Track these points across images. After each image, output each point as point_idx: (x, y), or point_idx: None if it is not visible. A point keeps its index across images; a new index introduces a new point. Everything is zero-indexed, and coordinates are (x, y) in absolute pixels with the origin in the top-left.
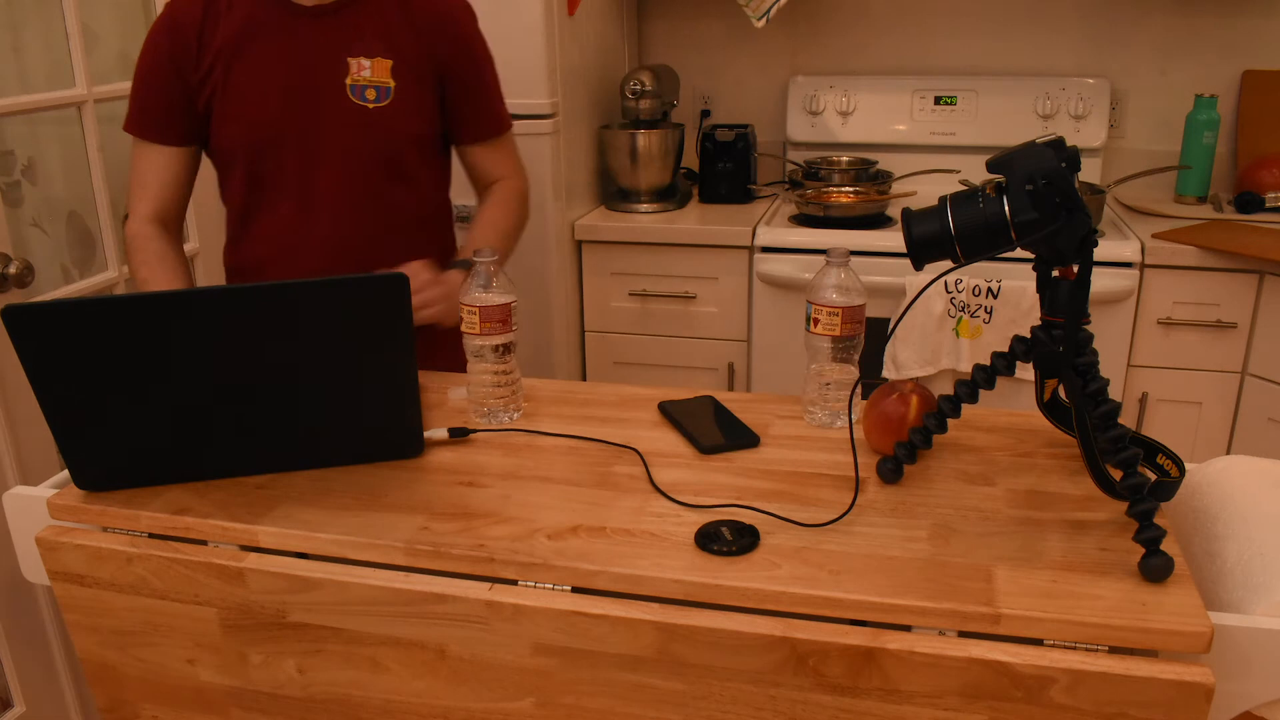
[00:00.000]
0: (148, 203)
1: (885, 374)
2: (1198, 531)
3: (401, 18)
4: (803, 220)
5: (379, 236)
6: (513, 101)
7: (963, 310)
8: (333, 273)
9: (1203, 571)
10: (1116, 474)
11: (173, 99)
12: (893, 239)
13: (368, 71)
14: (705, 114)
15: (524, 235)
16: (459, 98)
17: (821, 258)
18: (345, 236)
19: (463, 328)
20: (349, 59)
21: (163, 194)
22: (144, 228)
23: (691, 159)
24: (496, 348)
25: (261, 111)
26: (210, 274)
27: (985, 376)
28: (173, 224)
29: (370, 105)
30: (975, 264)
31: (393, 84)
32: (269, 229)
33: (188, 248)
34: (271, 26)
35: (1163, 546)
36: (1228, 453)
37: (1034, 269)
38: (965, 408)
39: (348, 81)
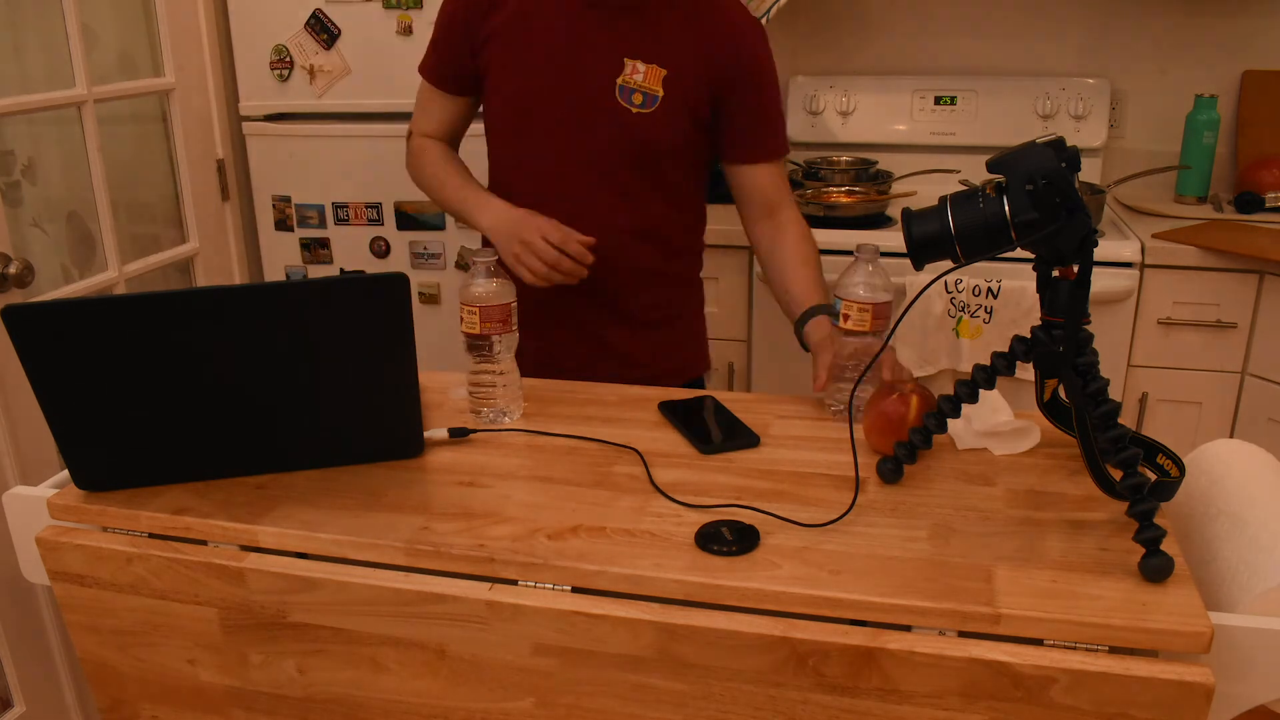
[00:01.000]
0: (427, 128)
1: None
2: (1192, 514)
3: (687, 30)
4: None
5: (628, 240)
6: None
7: (963, 310)
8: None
9: (1195, 558)
10: (1116, 474)
11: (458, 58)
12: (893, 239)
13: (640, 76)
14: None
15: None
16: (737, 116)
17: (822, 258)
18: (594, 233)
19: (463, 328)
20: (626, 58)
21: (440, 130)
22: (425, 140)
23: None
24: (497, 348)
25: (525, 94)
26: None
27: (985, 376)
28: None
29: (634, 110)
30: (975, 264)
31: (661, 93)
32: (525, 200)
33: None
34: (554, 11)
35: (1163, 546)
36: None
37: (1034, 269)
38: (965, 408)
39: (618, 81)
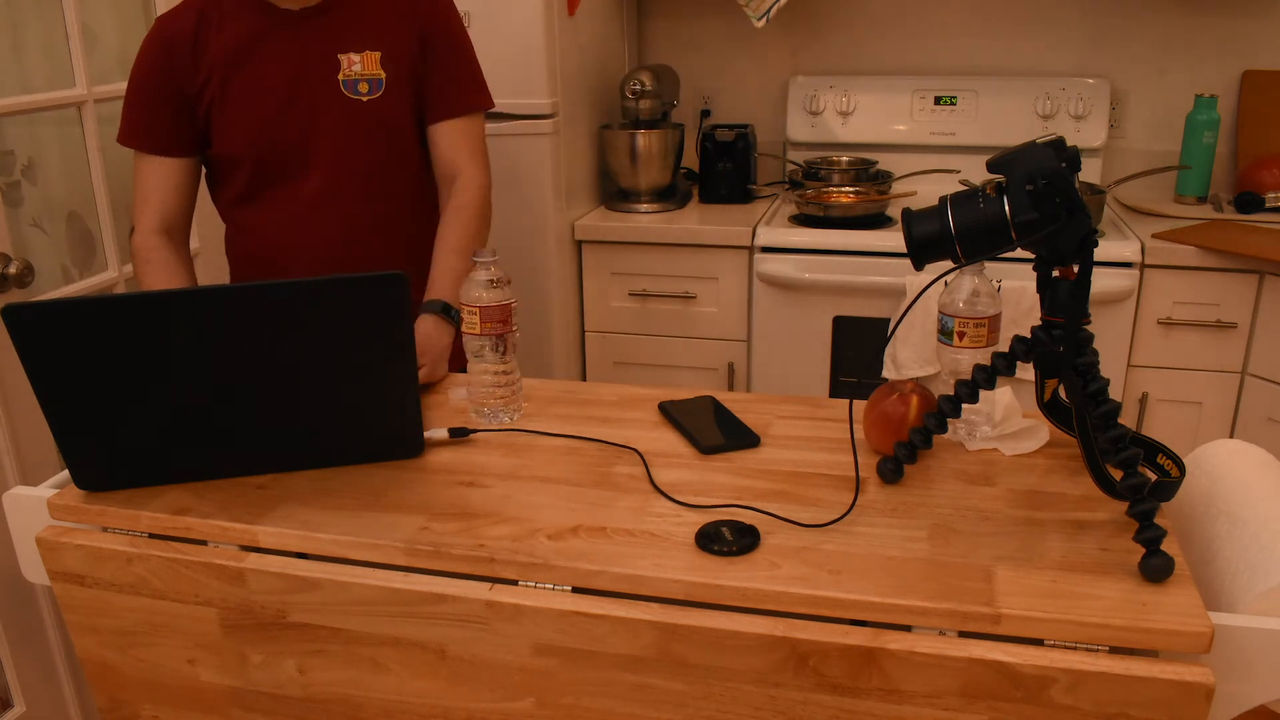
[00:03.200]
0: (151, 214)
1: (885, 374)
2: (1192, 514)
3: (386, 8)
4: (803, 220)
5: (385, 227)
6: (513, 101)
7: None
8: (340, 267)
9: (1195, 558)
10: (1117, 474)
11: (173, 112)
12: (893, 239)
13: (358, 65)
14: (705, 114)
15: (524, 235)
16: (431, 71)
17: (822, 258)
18: (351, 230)
19: (463, 328)
20: (339, 55)
21: (165, 205)
22: (148, 239)
23: (691, 159)
24: (496, 348)
25: (261, 117)
26: (211, 274)
27: (985, 376)
28: (178, 233)
29: (364, 98)
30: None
31: (383, 75)
32: (274, 226)
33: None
34: (263, 34)
35: (1163, 546)
36: None
37: (1034, 269)
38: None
39: (340, 77)
